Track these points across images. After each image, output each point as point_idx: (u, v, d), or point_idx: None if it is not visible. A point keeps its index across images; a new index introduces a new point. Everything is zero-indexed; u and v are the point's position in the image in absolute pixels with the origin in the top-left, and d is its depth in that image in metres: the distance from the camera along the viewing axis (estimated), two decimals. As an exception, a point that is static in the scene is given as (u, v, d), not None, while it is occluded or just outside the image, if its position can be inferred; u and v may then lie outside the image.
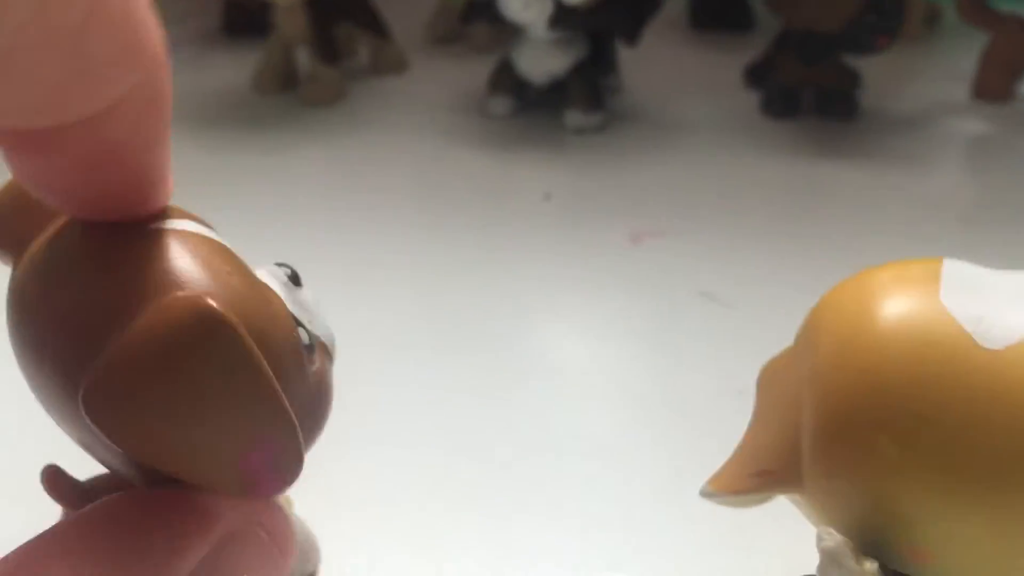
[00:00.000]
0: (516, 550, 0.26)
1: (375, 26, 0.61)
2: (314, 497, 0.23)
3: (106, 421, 0.15)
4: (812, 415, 0.18)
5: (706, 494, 0.20)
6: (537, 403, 0.32)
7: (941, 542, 0.17)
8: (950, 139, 0.52)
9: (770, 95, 0.54)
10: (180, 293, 0.16)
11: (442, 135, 0.53)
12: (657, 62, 0.60)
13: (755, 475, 0.19)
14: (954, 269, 0.18)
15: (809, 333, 0.19)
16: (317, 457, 0.19)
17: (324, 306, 0.20)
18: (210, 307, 0.15)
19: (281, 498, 0.25)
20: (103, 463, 0.19)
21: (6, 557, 0.15)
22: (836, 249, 0.38)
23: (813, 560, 0.18)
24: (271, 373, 0.16)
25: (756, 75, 0.55)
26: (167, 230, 0.17)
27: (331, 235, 0.40)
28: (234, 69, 0.61)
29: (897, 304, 0.17)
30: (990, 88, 0.54)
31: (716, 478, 0.20)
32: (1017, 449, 0.15)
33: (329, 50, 0.57)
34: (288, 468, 0.17)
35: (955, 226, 0.42)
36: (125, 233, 0.17)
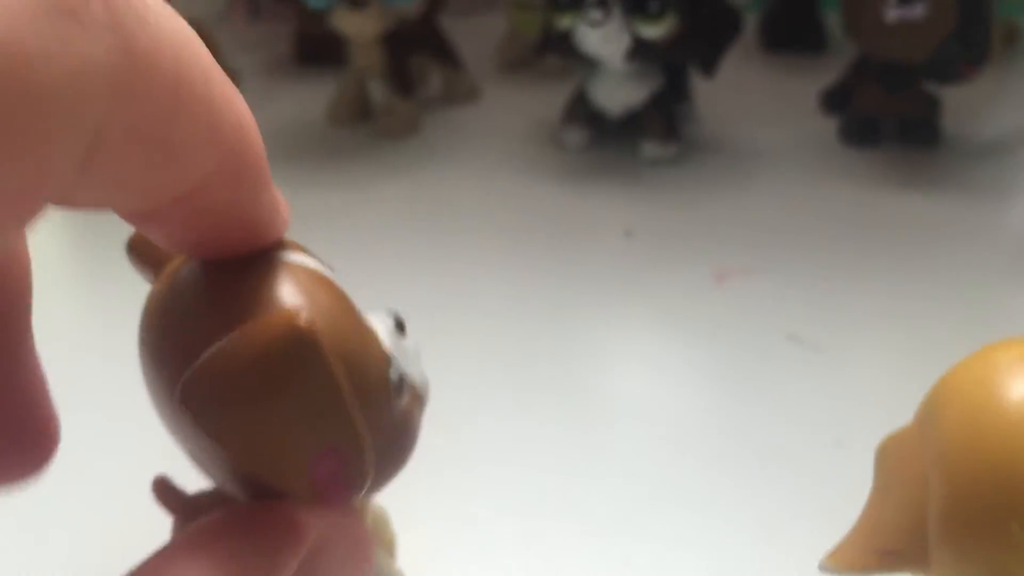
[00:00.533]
0: None
1: (447, 56, 0.62)
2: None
3: (197, 412, 0.17)
4: (940, 497, 0.18)
5: (825, 568, 0.20)
6: (616, 446, 0.32)
7: None
8: None
9: (849, 122, 0.54)
10: (278, 309, 0.18)
11: (517, 167, 0.54)
12: (730, 87, 0.59)
13: (879, 553, 0.19)
14: None
15: (933, 411, 0.19)
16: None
17: (423, 358, 0.22)
18: (300, 323, 0.17)
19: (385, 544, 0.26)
20: (209, 475, 0.20)
21: (140, 567, 0.17)
22: (927, 286, 0.38)
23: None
24: (350, 392, 0.18)
25: (833, 101, 0.55)
26: (276, 262, 0.19)
27: (409, 271, 0.41)
28: (307, 99, 0.62)
29: None
30: None
31: (836, 552, 0.20)
32: None
33: (403, 83, 0.58)
34: (354, 481, 0.19)
35: None
36: (238, 264, 0.19)
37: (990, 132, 0.54)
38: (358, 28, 0.54)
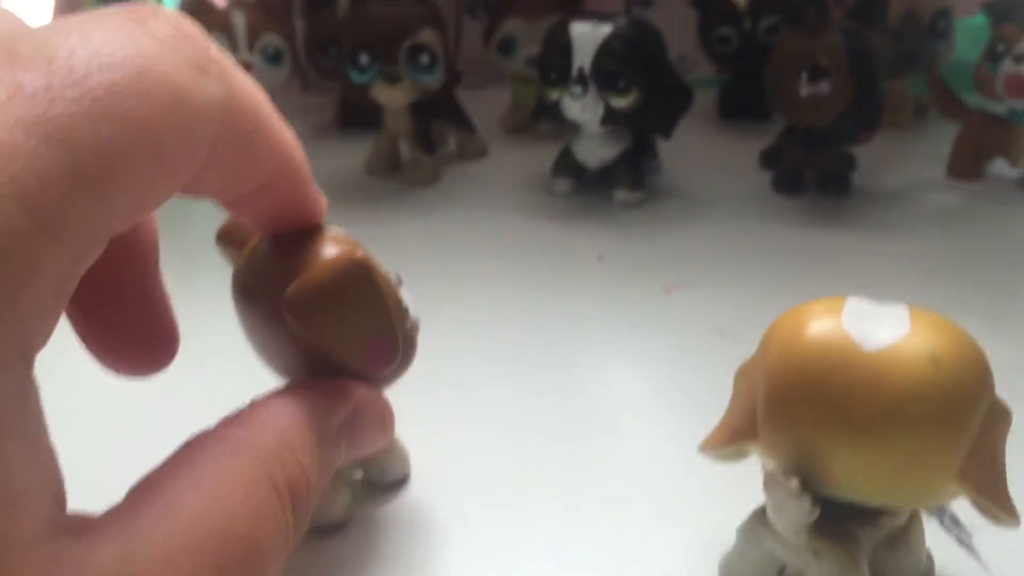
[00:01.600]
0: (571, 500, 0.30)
1: (462, 122, 0.65)
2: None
3: (297, 315, 0.23)
4: (763, 392, 0.23)
5: (701, 449, 0.26)
6: (591, 415, 0.35)
7: (839, 469, 0.22)
8: (928, 211, 0.54)
9: (780, 176, 0.57)
10: (343, 250, 0.24)
11: (516, 209, 0.57)
12: (690, 147, 0.63)
13: (730, 433, 0.25)
14: (853, 303, 0.23)
15: (765, 340, 0.24)
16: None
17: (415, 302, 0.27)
18: (363, 258, 0.24)
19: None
20: (283, 371, 0.26)
21: (239, 411, 0.21)
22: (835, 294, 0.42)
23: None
24: (388, 301, 0.24)
25: (769, 159, 0.59)
26: (325, 232, 0.25)
27: (428, 290, 0.44)
28: (347, 155, 0.66)
29: (815, 325, 0.23)
30: (961, 169, 0.58)
31: (706, 439, 0.26)
32: (880, 409, 0.21)
33: (427, 142, 0.61)
34: (390, 358, 0.25)
35: (920, 280, 0.45)
36: (298, 235, 0.25)
37: (894, 184, 0.58)
38: (392, 98, 0.57)
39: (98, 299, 0.23)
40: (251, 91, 0.20)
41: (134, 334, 0.24)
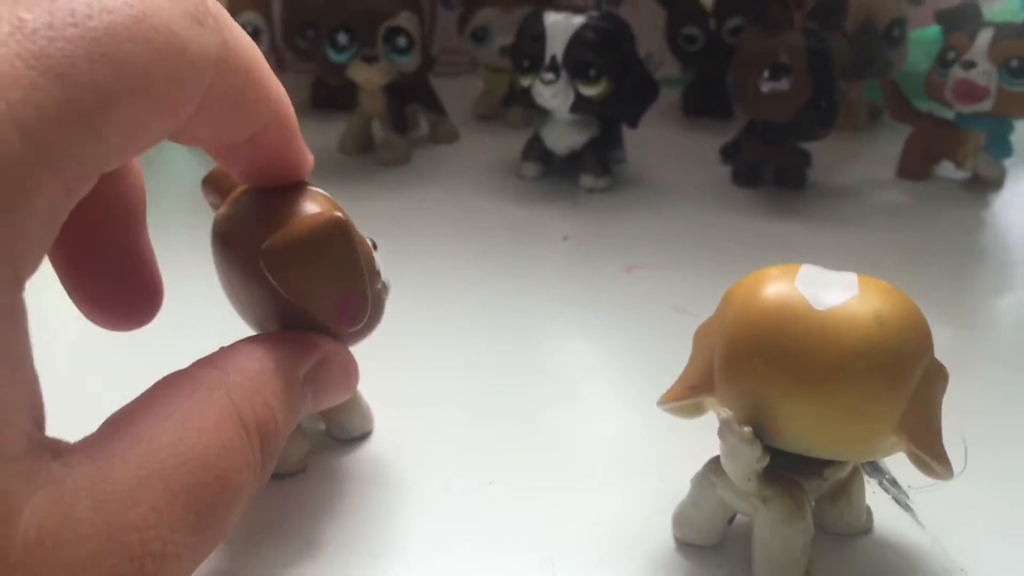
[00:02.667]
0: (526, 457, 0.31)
1: (435, 106, 0.66)
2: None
3: (275, 268, 0.23)
4: (720, 349, 0.24)
5: (660, 404, 0.26)
6: (549, 380, 0.36)
7: (788, 420, 0.23)
8: (878, 207, 0.56)
9: (738, 169, 0.58)
10: (324, 209, 0.25)
11: (485, 191, 0.58)
12: (654, 140, 0.65)
13: (688, 388, 0.26)
14: (806, 269, 0.24)
15: (723, 303, 0.25)
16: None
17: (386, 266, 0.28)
18: (341, 217, 0.24)
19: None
20: (256, 323, 0.27)
21: (212, 354, 0.22)
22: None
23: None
24: (362, 264, 0.25)
25: (729, 153, 0.60)
26: (308, 188, 0.26)
27: (399, 266, 0.44)
28: (320, 135, 0.66)
29: (771, 286, 0.24)
30: (910, 169, 0.60)
31: (665, 394, 0.26)
32: (827, 364, 0.22)
33: (399, 123, 0.62)
34: (359, 315, 0.25)
35: (868, 270, 0.43)
36: (282, 190, 0.25)
37: (847, 181, 0.60)
38: (369, 78, 0.58)
39: (85, 252, 0.23)
40: (246, 43, 0.21)
41: (119, 288, 0.24)
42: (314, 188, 0.26)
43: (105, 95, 0.16)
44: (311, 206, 0.25)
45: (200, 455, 0.18)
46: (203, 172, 0.28)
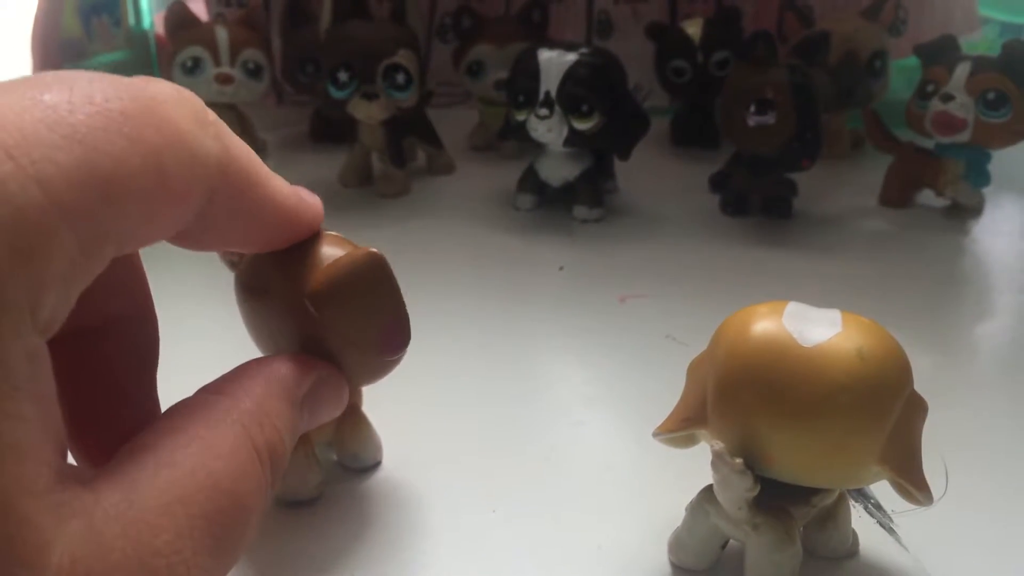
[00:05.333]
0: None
1: (432, 139, 0.67)
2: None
3: (323, 307, 0.24)
4: (712, 384, 0.25)
5: (655, 436, 0.27)
6: (547, 408, 0.37)
7: (777, 451, 0.24)
8: (860, 235, 0.57)
9: (726, 198, 0.59)
10: (359, 249, 0.25)
11: (481, 222, 0.58)
12: (645, 170, 0.65)
13: (682, 420, 0.27)
14: (793, 306, 0.25)
15: (716, 338, 0.26)
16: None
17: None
18: (379, 255, 0.25)
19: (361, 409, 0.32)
20: None
21: (237, 368, 0.22)
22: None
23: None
24: (401, 295, 0.26)
25: (717, 183, 0.60)
26: (327, 234, 0.26)
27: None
28: (320, 167, 0.66)
29: (759, 323, 0.25)
30: (892, 197, 0.61)
31: (660, 426, 0.27)
32: (812, 398, 0.23)
33: (398, 156, 0.63)
34: (404, 342, 0.27)
35: (852, 296, 0.46)
36: (304, 242, 0.26)
37: (834, 209, 0.60)
38: (369, 114, 0.58)
39: (89, 400, 0.23)
40: (245, 151, 0.22)
41: (119, 437, 0.23)
42: (330, 233, 0.27)
43: (120, 163, 0.17)
44: (336, 248, 0.26)
45: (217, 481, 0.19)
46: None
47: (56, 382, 0.21)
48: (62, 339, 0.21)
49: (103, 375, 0.23)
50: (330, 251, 0.26)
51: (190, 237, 0.20)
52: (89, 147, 0.16)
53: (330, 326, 0.25)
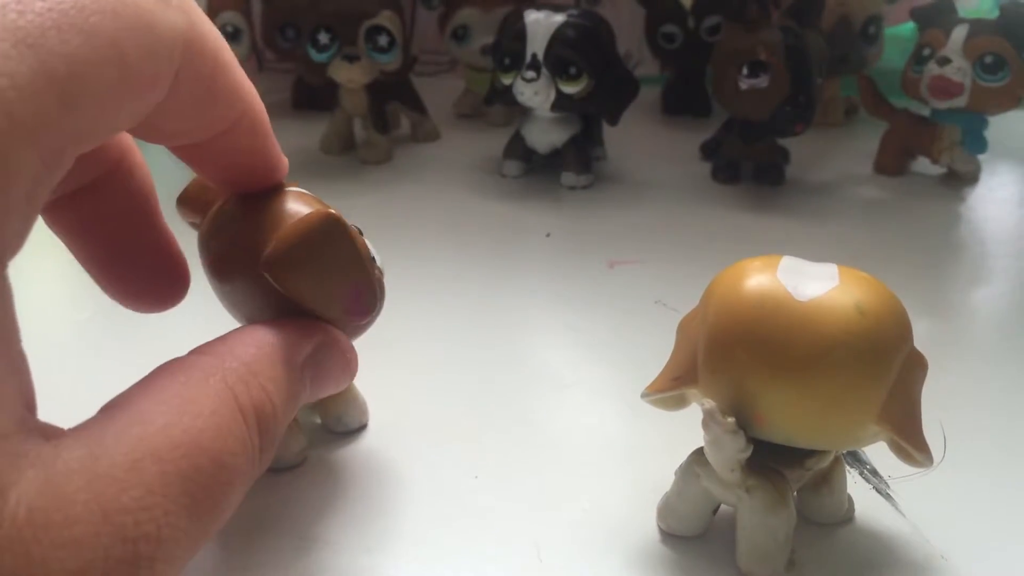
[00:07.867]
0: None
1: (416, 104, 0.66)
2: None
3: (278, 273, 0.23)
4: (703, 340, 0.24)
5: (644, 396, 0.26)
6: (535, 373, 0.36)
7: (770, 410, 0.23)
8: (855, 202, 0.57)
9: (718, 165, 0.59)
10: (315, 208, 0.24)
11: (467, 189, 0.58)
12: (634, 138, 0.66)
13: (672, 379, 0.26)
14: (787, 260, 0.25)
15: (706, 294, 0.25)
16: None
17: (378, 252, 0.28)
18: (334, 214, 0.24)
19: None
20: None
21: (227, 335, 0.22)
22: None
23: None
24: (363, 255, 0.24)
25: (708, 150, 0.61)
26: (289, 191, 0.25)
27: (383, 261, 0.46)
28: (303, 134, 0.66)
29: (753, 277, 0.24)
30: (887, 164, 0.60)
31: (649, 386, 0.26)
32: (809, 354, 0.22)
33: (381, 122, 0.62)
34: (370, 306, 0.26)
35: (846, 262, 0.45)
36: (264, 195, 0.25)
37: (824, 176, 0.60)
38: (350, 78, 0.58)
39: (110, 246, 0.24)
40: (213, 32, 0.20)
41: (147, 274, 0.25)
42: (295, 188, 0.25)
43: (77, 62, 0.16)
44: (299, 207, 0.24)
45: (195, 439, 0.18)
46: (178, 181, 0.27)
47: (70, 242, 0.24)
48: (60, 205, 0.22)
49: (109, 223, 0.24)
50: (292, 209, 0.24)
51: (151, 127, 0.20)
52: (43, 51, 0.15)
53: (289, 290, 0.23)
